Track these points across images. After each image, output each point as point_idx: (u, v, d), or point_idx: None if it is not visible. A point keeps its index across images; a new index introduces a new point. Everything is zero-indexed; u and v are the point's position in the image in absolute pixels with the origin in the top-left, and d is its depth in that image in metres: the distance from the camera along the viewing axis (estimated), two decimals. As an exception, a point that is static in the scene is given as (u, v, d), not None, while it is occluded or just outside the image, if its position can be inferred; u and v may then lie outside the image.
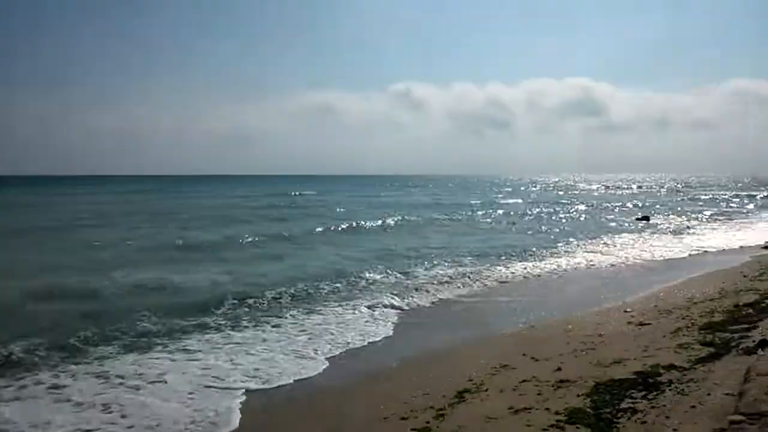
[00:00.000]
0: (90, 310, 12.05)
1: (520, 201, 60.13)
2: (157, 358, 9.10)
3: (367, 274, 16.25)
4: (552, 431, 5.69)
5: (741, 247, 21.97)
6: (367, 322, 11.38)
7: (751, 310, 9.73)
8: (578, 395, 6.53)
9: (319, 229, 29.20)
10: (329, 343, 9.93)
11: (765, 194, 70.52)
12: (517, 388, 7.18)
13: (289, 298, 13.42)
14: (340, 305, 12.73)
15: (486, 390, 7.27)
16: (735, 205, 52.03)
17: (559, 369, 7.70)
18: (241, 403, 7.43)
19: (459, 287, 14.71)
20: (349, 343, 10.01)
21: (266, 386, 8.01)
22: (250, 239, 24.73)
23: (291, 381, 8.24)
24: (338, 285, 14.88)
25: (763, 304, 10.05)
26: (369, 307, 12.43)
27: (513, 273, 16.83)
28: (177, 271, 16.72)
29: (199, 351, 9.48)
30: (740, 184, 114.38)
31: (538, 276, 16.56)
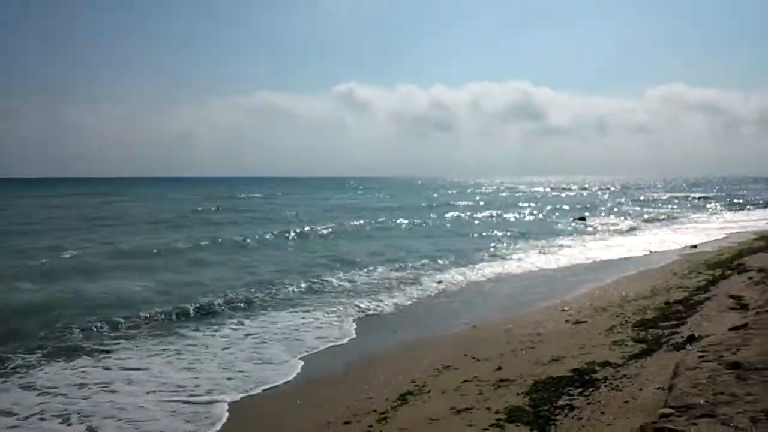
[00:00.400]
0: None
1: (470, 203, 60.77)
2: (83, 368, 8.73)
3: (315, 280, 16.03)
4: (492, 430, 5.75)
5: (682, 246, 22.96)
6: (313, 327, 11.22)
7: (680, 307, 10.16)
8: (518, 394, 6.64)
9: (267, 234, 28.35)
10: (274, 350, 9.74)
11: (698, 196, 74.21)
12: (459, 388, 7.24)
13: (226, 306, 12.90)
14: (285, 311, 12.55)
15: (428, 391, 7.30)
16: (669, 207, 54.46)
17: (500, 368, 7.82)
18: (177, 412, 7.18)
19: (406, 291, 14.73)
20: (293, 349, 9.85)
21: (205, 397, 7.76)
22: (188, 245, 23.52)
23: (235, 389, 8.02)
24: (283, 290, 14.63)
25: (692, 301, 10.52)
26: (315, 313, 12.28)
27: (457, 275, 16.99)
28: (109, 279, 16.07)
29: (130, 359, 9.17)
30: (672, 185, 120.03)
31: (482, 277, 16.79)
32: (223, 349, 9.80)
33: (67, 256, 20.47)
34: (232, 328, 11.16)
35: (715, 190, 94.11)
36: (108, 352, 9.62)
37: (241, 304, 13.12)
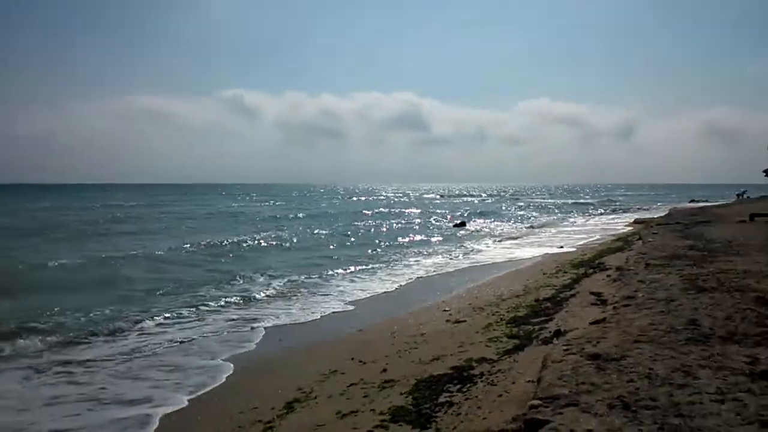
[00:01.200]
0: None
1: (368, 212, 60.06)
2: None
3: (201, 293, 15.40)
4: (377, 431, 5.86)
5: (553, 247, 24.66)
6: (201, 341, 10.77)
7: (549, 304, 10.96)
8: (401, 393, 6.82)
9: (139, 250, 25.76)
10: (154, 367, 9.21)
11: (572, 201, 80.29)
12: (345, 392, 7.29)
13: (93, 326, 11.92)
14: (165, 328, 11.92)
15: (315, 398, 7.29)
16: (542, 211, 58.42)
17: (385, 370, 7.98)
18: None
19: (295, 299, 14.57)
20: (181, 365, 9.37)
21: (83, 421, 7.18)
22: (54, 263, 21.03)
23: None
24: (163, 307, 13.89)
25: (558, 298, 11.38)
26: (201, 327, 11.79)
27: (347, 282, 17.11)
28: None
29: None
30: (552, 192, 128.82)
31: (369, 281, 17.03)
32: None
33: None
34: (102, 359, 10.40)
35: (588, 197, 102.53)
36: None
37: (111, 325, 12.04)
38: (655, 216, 36.01)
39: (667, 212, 38.81)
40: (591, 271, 14.65)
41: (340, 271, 18.91)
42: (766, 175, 21.48)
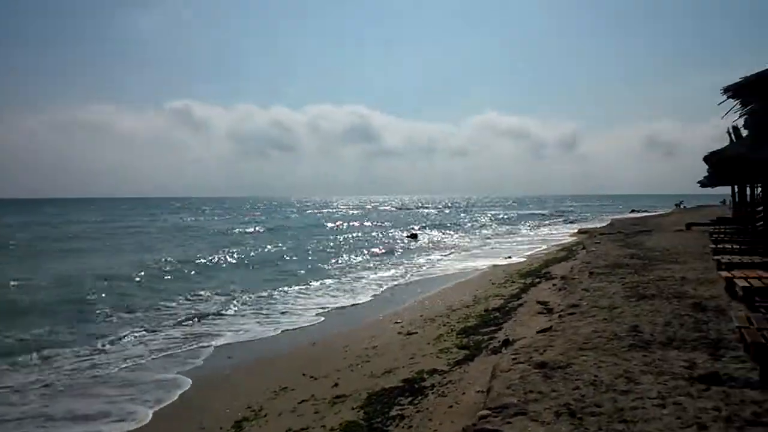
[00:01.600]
0: None
1: (327, 225, 58.75)
2: None
3: (154, 310, 14.89)
4: (328, 448, 5.77)
5: (502, 257, 25.06)
6: (147, 358, 10.43)
7: (498, 314, 11.11)
8: (353, 408, 6.75)
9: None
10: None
11: (520, 212, 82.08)
12: (296, 409, 7.17)
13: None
14: (115, 346, 11.51)
15: (265, 415, 7.13)
16: (491, 222, 59.45)
17: (336, 385, 7.89)
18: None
19: (249, 315, 14.30)
20: (132, 381, 9.03)
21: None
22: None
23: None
24: (115, 324, 13.41)
25: (507, 308, 11.56)
26: (150, 344, 11.40)
27: (301, 297, 16.91)
28: None
29: None
30: (489, 203, 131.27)
31: (323, 296, 16.89)
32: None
33: None
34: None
35: (535, 207, 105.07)
36: None
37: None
38: (599, 226, 37.24)
39: (609, 222, 40.20)
40: (538, 280, 14.97)
41: (295, 287, 18.67)
42: (701, 186, 22.50)
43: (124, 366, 9.93)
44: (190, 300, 16.53)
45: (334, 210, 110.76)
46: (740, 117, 5.54)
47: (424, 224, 58.10)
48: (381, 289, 17.83)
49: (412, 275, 20.73)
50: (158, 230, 51.56)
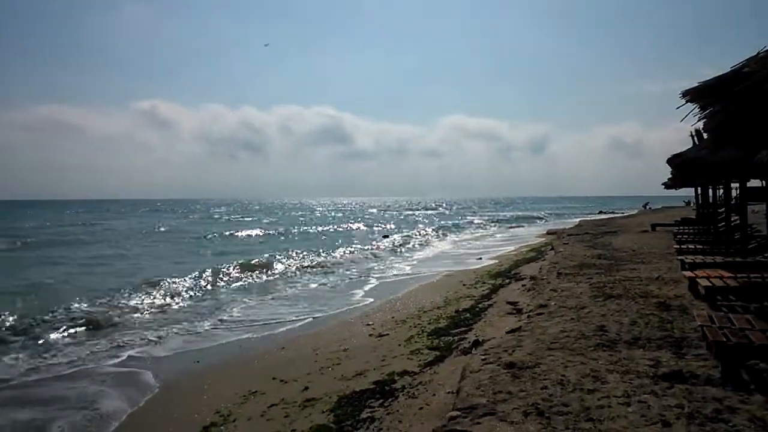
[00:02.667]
0: None
1: (312, 229, 56.72)
2: None
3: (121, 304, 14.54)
4: (297, 452, 5.72)
5: (478, 258, 25.23)
6: (109, 361, 10.19)
7: (468, 315, 11.18)
8: (323, 412, 6.71)
9: None
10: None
11: (490, 213, 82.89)
12: (265, 413, 7.09)
13: None
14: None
15: (234, 421, 7.03)
16: (463, 224, 59.91)
17: (307, 388, 7.83)
18: None
19: (215, 315, 14.11)
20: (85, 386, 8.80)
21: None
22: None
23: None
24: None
25: (477, 309, 11.64)
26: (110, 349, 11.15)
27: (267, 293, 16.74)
28: None
29: None
30: (461, 204, 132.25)
31: (287, 294, 16.76)
32: None
33: None
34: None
35: (505, 208, 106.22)
36: None
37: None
38: (567, 227, 37.82)
39: (577, 223, 40.87)
40: (507, 281, 15.12)
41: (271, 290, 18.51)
42: (665, 188, 23.05)
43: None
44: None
45: (314, 211, 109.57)
46: (698, 120, 5.64)
47: (397, 224, 58.23)
48: (351, 291, 17.77)
49: (384, 276, 20.72)
50: (146, 234, 48.83)
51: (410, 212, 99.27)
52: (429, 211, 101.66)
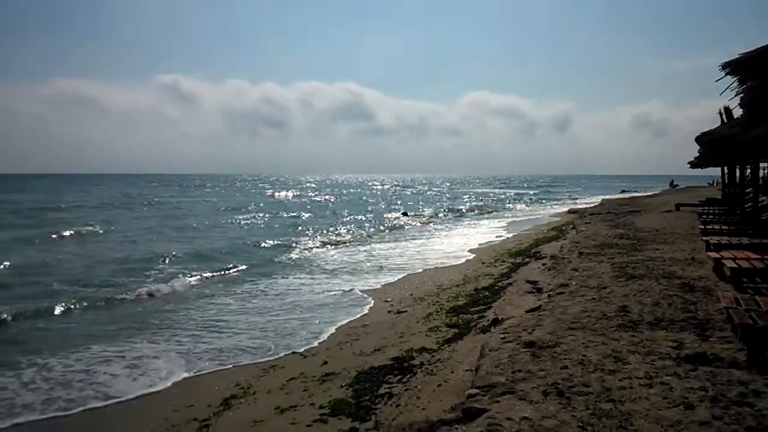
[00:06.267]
0: None
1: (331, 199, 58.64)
2: None
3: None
4: (316, 426, 5.78)
5: (498, 236, 25.11)
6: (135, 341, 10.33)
7: (487, 293, 11.14)
8: (341, 386, 6.76)
9: None
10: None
11: (511, 191, 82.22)
12: (285, 386, 7.17)
13: None
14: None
15: (254, 393, 7.12)
16: (483, 201, 59.61)
17: (326, 363, 7.90)
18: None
19: (230, 290, 14.27)
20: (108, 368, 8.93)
21: None
22: None
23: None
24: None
25: (497, 287, 11.59)
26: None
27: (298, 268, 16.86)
28: None
29: None
30: (481, 181, 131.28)
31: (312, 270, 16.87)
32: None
33: None
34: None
35: (526, 186, 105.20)
36: None
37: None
38: (589, 206, 37.36)
39: (599, 202, 40.33)
40: (527, 260, 15.02)
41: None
42: (691, 167, 22.59)
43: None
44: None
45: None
46: (736, 95, 5.42)
47: (416, 203, 58.11)
48: (369, 266, 17.78)
49: (404, 251, 20.71)
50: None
51: (430, 187, 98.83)
52: (451, 189, 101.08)
